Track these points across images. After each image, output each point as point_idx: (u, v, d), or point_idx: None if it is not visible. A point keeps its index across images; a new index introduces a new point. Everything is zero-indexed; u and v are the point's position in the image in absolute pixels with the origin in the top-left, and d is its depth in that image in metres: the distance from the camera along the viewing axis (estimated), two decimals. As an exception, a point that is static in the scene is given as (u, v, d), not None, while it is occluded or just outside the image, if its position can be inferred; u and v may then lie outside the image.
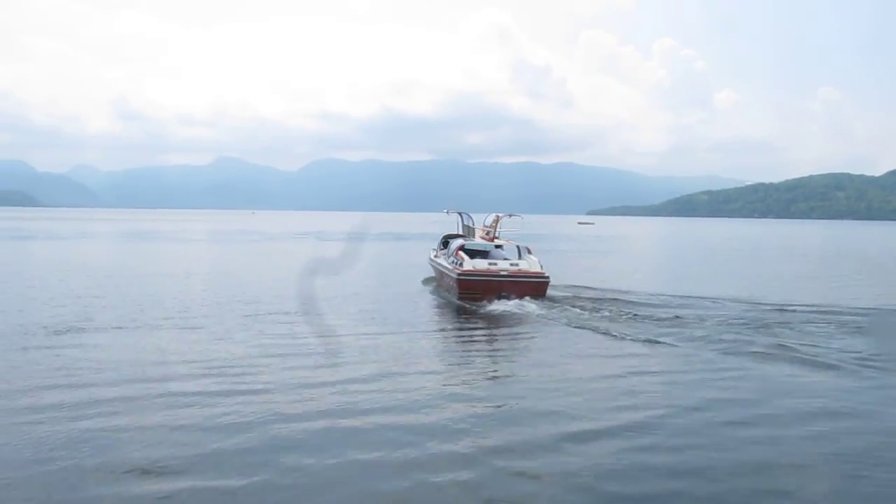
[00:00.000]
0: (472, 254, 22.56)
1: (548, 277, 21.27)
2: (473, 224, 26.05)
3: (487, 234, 24.87)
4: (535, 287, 20.70)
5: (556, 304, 19.70)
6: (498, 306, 19.42)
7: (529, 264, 21.78)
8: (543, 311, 18.48)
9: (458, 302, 20.86)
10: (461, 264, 21.50)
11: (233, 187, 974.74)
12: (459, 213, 27.12)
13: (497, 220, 24.95)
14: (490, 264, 21.53)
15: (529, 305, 19.27)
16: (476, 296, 20.42)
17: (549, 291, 21.10)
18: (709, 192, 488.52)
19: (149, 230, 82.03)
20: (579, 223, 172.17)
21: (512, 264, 21.68)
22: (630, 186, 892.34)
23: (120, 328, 15.05)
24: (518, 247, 23.56)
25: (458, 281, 21.00)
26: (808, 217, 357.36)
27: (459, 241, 24.05)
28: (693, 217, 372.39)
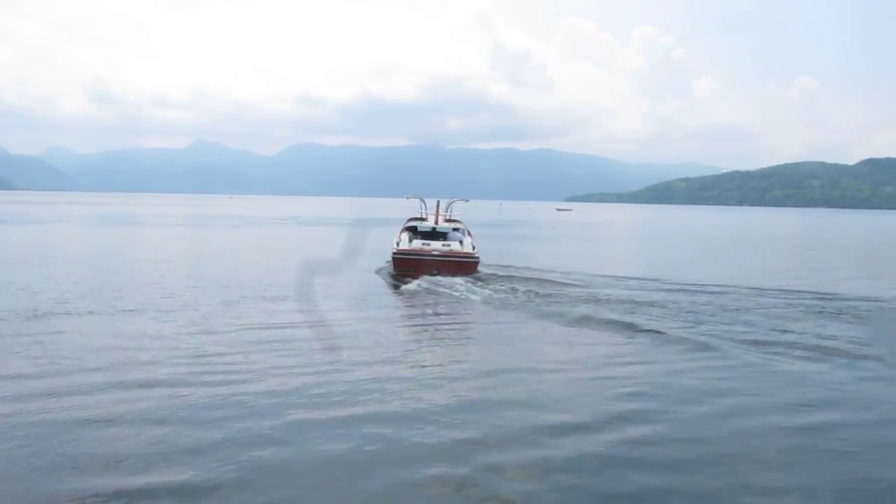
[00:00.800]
0: (422, 234, 24.26)
1: (477, 258, 22.85)
2: (426, 210, 26.99)
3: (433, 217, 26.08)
4: (463, 266, 22.18)
5: (482, 283, 20.73)
6: (420, 283, 20.38)
7: (463, 246, 23.05)
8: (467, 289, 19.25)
9: (393, 278, 21.98)
10: (398, 244, 23.25)
11: (211, 171, 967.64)
12: (421, 199, 28.12)
13: (437, 205, 26.49)
14: (423, 245, 22.92)
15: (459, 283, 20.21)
16: (409, 272, 21.74)
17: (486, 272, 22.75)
18: (686, 180, 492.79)
19: (126, 214, 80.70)
20: (557, 209, 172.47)
21: (444, 245, 23.04)
22: (609, 173, 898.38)
23: (96, 313, 14.77)
24: (459, 229, 25.34)
25: (394, 259, 22.74)
26: (784, 205, 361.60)
27: (408, 223, 25.59)
28: (671, 204, 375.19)
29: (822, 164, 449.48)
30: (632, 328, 13.94)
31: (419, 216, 26.41)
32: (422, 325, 15.29)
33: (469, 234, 25.04)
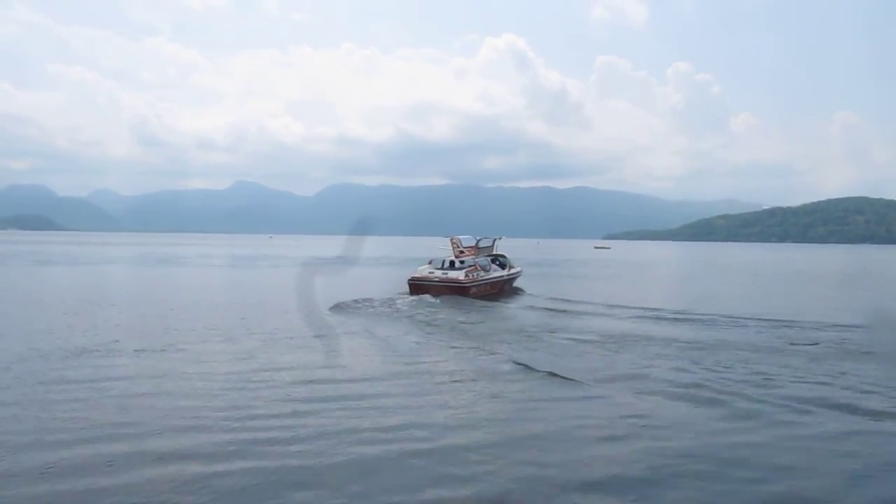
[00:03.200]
0: (439, 265, 30.25)
1: (466, 285, 28.39)
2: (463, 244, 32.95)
3: (459, 251, 32.28)
4: (455, 290, 28.04)
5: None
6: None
7: (459, 276, 28.81)
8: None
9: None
10: (416, 271, 29.90)
11: (251, 212, 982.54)
12: (457, 239, 33.38)
13: (452, 242, 32.98)
14: (430, 273, 29.37)
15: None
16: (418, 292, 27.86)
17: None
18: (726, 217, 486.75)
19: (172, 255, 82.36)
20: (595, 247, 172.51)
21: (442, 273, 29.22)
22: (647, 210, 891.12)
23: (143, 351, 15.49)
24: (500, 262, 33.43)
25: (409, 283, 29.06)
26: (827, 241, 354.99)
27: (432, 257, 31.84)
28: (710, 241, 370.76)
29: (866, 199, 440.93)
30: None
31: (460, 249, 32.13)
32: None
33: (510, 266, 33.57)
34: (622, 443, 9.26)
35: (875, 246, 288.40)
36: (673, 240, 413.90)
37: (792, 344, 17.49)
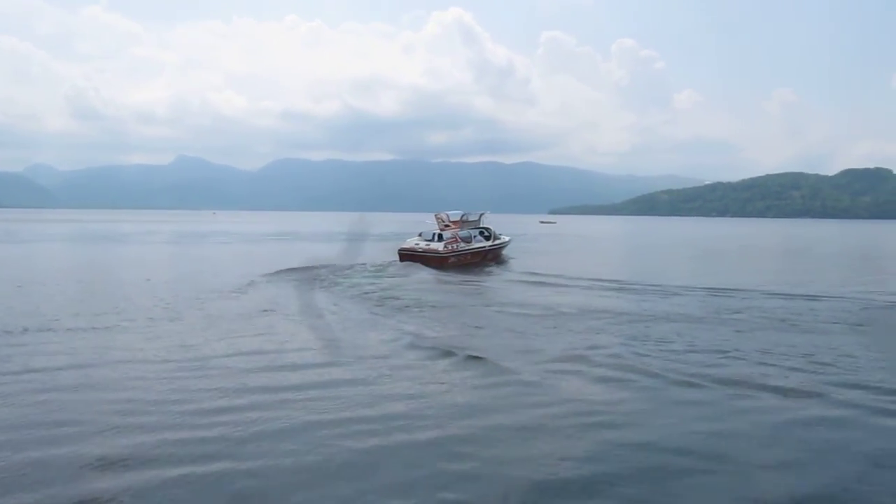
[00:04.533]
0: (424, 237, 33.33)
1: (445, 255, 31.69)
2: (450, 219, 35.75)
3: (444, 224, 35.00)
4: (431, 259, 31.38)
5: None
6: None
7: (438, 247, 32.00)
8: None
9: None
10: (405, 243, 33.43)
11: (193, 187, 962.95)
12: (445, 215, 36.15)
13: (437, 217, 36.12)
14: (415, 244, 32.84)
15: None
16: (405, 261, 31.59)
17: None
18: (669, 192, 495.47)
19: (114, 231, 79.41)
20: (541, 222, 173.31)
21: (426, 244, 32.58)
22: (592, 186, 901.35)
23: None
24: (485, 234, 36.10)
25: (398, 252, 32.68)
26: (765, 215, 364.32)
27: (421, 231, 34.53)
28: (654, 216, 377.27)
29: (803, 174, 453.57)
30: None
31: (445, 223, 35.10)
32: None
33: (496, 237, 36.61)
34: (569, 437, 8.49)
35: (810, 220, 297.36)
36: (617, 214, 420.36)
37: (737, 313, 17.92)
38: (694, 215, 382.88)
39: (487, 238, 36.03)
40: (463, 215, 36.14)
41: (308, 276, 26.16)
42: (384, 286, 23.52)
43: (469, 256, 33.39)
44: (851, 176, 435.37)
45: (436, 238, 32.90)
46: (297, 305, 18.87)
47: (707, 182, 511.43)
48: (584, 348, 13.23)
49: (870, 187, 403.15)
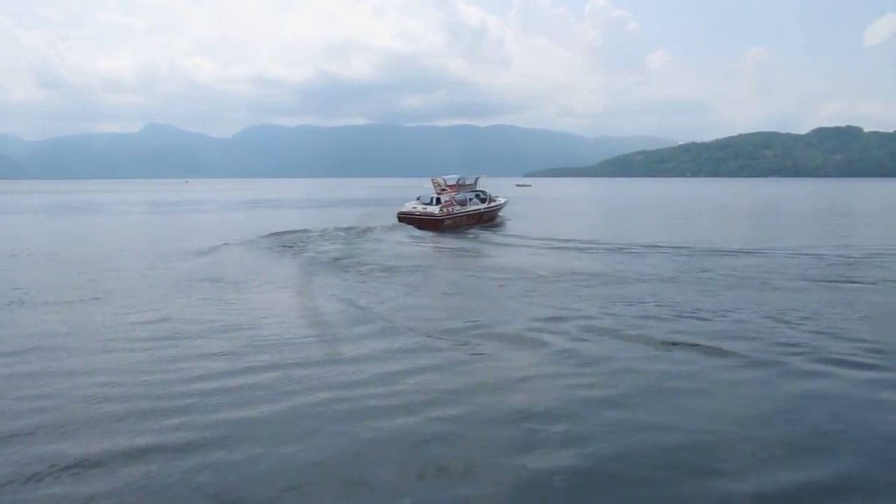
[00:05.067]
0: (423, 201, 34.67)
1: (440, 217, 33.00)
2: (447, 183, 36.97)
3: (440, 189, 36.23)
4: (426, 223, 32.78)
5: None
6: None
7: (434, 210, 33.43)
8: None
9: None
10: (403, 207, 34.81)
11: (165, 155, 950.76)
12: (442, 180, 37.39)
13: (433, 181, 37.40)
14: (413, 208, 34.22)
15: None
16: (404, 224, 32.96)
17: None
18: (644, 153, 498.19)
19: (86, 202, 77.50)
20: (517, 185, 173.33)
21: (423, 208, 33.98)
22: (567, 148, 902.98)
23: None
24: (481, 197, 37.43)
25: (397, 216, 34.09)
26: (738, 175, 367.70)
27: (419, 196, 35.79)
28: (629, 177, 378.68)
29: (775, 134, 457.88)
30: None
31: (442, 188, 36.30)
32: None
33: (492, 199, 38.09)
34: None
35: (783, 179, 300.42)
36: (592, 176, 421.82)
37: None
38: (668, 176, 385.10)
39: (483, 201, 37.40)
40: (459, 179, 37.42)
41: (282, 242, 26.17)
42: (360, 251, 23.54)
43: (464, 219, 34.69)
44: (823, 135, 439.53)
45: (433, 202, 34.37)
46: (273, 275, 18.56)
47: (681, 142, 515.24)
48: (555, 316, 12.72)
49: (841, 146, 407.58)
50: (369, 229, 31.39)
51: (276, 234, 28.94)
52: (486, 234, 31.57)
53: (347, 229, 31.43)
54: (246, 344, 10.85)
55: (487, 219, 37.17)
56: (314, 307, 14.00)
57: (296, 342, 10.97)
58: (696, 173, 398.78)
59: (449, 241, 28.55)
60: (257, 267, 20.02)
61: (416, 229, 32.03)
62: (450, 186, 36.54)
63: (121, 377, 9.19)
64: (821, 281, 16.86)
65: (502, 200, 40.11)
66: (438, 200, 34.41)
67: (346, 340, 11.13)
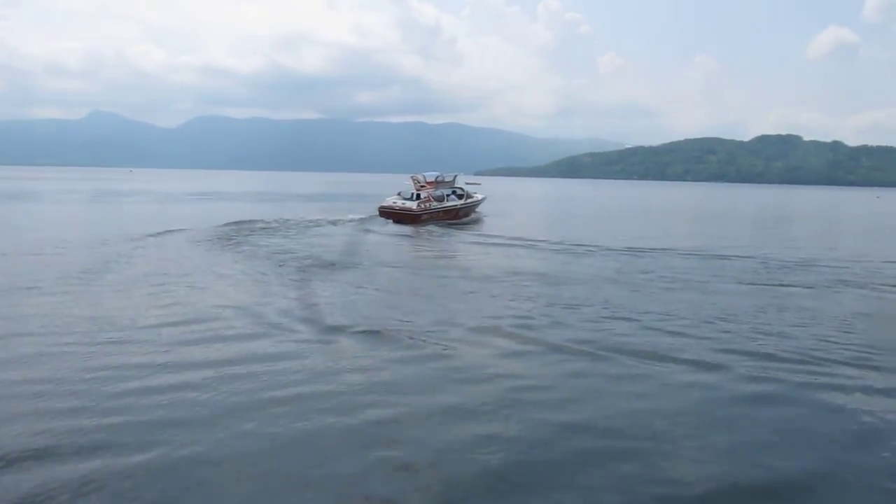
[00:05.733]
0: (402, 196, 36.41)
1: (418, 213, 34.46)
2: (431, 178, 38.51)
3: (420, 185, 37.72)
4: (404, 217, 34.25)
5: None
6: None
7: (412, 206, 34.94)
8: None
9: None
10: (384, 202, 36.16)
11: (108, 144, 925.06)
12: (421, 177, 38.80)
13: (413, 178, 39.03)
14: (393, 203, 35.61)
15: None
16: (385, 218, 34.57)
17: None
18: (592, 155, 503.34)
19: (25, 189, 74.71)
20: (466, 183, 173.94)
21: (402, 203, 35.42)
22: (517, 148, 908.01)
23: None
24: (458, 193, 39.06)
25: (378, 210, 35.65)
26: (683, 179, 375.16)
27: (400, 192, 37.42)
28: (578, 178, 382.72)
29: (720, 140, 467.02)
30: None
31: (421, 184, 37.62)
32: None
33: (469, 196, 39.77)
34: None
35: (726, 184, 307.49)
36: (541, 176, 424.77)
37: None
38: (616, 178, 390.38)
39: (460, 197, 39.06)
40: (437, 176, 39.02)
41: (224, 234, 25.94)
42: (301, 246, 23.46)
43: (441, 214, 36.06)
44: (765, 142, 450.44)
45: (413, 197, 36.16)
46: (208, 269, 18.10)
47: (629, 146, 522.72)
48: (495, 316, 12.81)
49: (782, 153, 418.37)
50: (317, 223, 31.39)
51: (220, 226, 28.64)
52: (445, 230, 31.73)
53: (294, 223, 31.48)
54: (168, 340, 10.64)
55: (463, 214, 38.68)
56: (240, 302, 13.60)
57: (216, 338, 10.84)
58: (644, 176, 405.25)
59: (403, 238, 28.72)
60: (195, 260, 19.55)
61: (393, 223, 33.59)
62: (428, 183, 37.99)
63: (33, 372, 8.94)
64: (757, 284, 17.47)
65: (479, 197, 41.74)
66: (418, 196, 36.10)
67: (264, 337, 10.97)
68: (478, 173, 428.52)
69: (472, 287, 16.12)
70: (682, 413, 7.98)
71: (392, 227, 32.43)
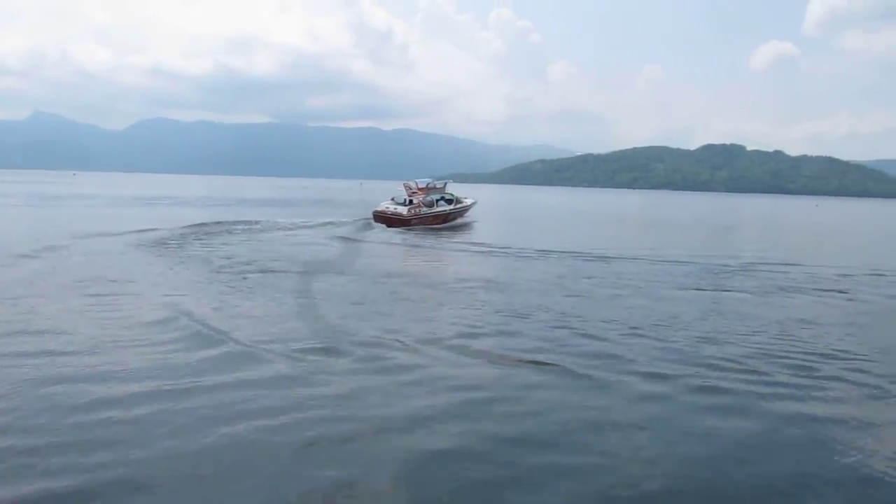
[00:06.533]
0: (395, 202, 38.20)
1: (408, 218, 36.29)
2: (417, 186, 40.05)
3: (411, 192, 39.33)
4: (394, 221, 36.07)
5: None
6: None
7: (403, 211, 36.75)
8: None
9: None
10: (378, 206, 37.88)
11: (52, 146, 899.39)
12: (414, 183, 40.66)
13: (405, 185, 40.60)
14: (386, 207, 37.46)
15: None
16: (378, 221, 36.40)
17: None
18: (543, 162, 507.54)
19: None
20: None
21: (394, 208, 37.26)
22: (469, 154, 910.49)
23: None
24: (447, 199, 40.57)
25: (372, 214, 37.48)
26: (632, 187, 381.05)
27: (394, 196, 39.23)
28: (528, 185, 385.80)
29: (666, 148, 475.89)
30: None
31: (413, 190, 39.34)
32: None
33: (458, 202, 41.48)
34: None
35: (672, 192, 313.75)
36: (493, 183, 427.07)
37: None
38: (566, 185, 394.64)
39: (450, 202, 40.87)
40: (429, 183, 40.88)
41: (165, 239, 25.44)
42: (248, 251, 23.21)
43: (430, 219, 38.08)
44: (710, 151, 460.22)
45: (406, 202, 38.09)
46: (147, 275, 17.44)
47: (578, 153, 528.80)
48: (440, 326, 12.53)
49: (726, 162, 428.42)
50: (265, 227, 31.13)
51: (164, 231, 28.20)
52: (390, 236, 31.67)
53: (241, 228, 31.12)
54: (98, 350, 10.14)
55: (453, 218, 40.69)
56: (176, 311, 12.86)
57: (149, 351, 10.23)
58: (592, 184, 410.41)
59: (361, 245, 28.36)
60: (130, 266, 18.90)
61: (386, 227, 35.44)
62: (420, 189, 39.78)
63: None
64: (701, 289, 17.87)
65: (469, 202, 43.60)
66: (411, 202, 38.00)
67: (200, 349, 10.37)
68: (426, 179, 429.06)
69: (420, 295, 16.03)
70: (635, 426, 7.86)
71: (341, 231, 32.92)
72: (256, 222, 33.76)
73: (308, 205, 64.93)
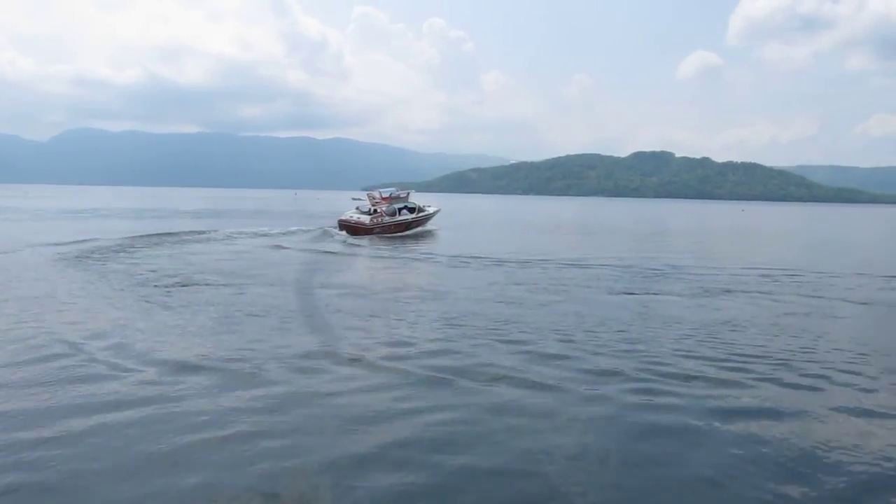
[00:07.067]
0: (359, 210, 40.14)
1: (370, 226, 37.81)
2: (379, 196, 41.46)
3: (374, 201, 40.85)
4: (356, 229, 37.58)
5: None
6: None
7: (365, 220, 38.27)
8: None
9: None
10: (342, 215, 39.50)
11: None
12: (378, 192, 42.40)
13: (368, 195, 42.34)
14: (350, 216, 38.96)
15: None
16: (342, 229, 37.79)
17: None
18: (478, 170, 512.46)
19: None
20: (353, 199, 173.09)
21: (358, 217, 38.84)
22: (404, 163, 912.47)
23: None
24: (409, 207, 42.05)
25: (338, 222, 38.92)
26: (566, 194, 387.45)
27: (358, 206, 41.14)
28: (464, 193, 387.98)
29: (598, 156, 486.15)
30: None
31: (376, 200, 40.82)
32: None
33: (420, 210, 42.41)
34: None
35: (604, 198, 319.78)
36: (430, 191, 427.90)
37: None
38: (502, 193, 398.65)
39: (412, 211, 42.16)
40: (392, 193, 42.38)
41: (87, 252, 24.79)
42: (174, 264, 22.69)
43: (392, 227, 39.36)
44: (640, 158, 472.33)
45: (369, 211, 39.82)
46: (63, 291, 16.78)
47: (513, 161, 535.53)
48: (364, 340, 12.07)
49: (656, 169, 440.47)
50: (198, 239, 30.57)
51: (86, 242, 27.77)
52: (331, 244, 31.39)
53: (170, 241, 30.54)
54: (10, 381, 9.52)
55: (415, 226, 41.94)
56: (88, 333, 12.12)
57: (61, 378, 9.50)
58: (527, 191, 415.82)
59: (308, 254, 28.21)
60: (47, 283, 18.07)
61: (349, 236, 36.67)
62: (384, 199, 41.17)
63: None
64: (630, 293, 18.27)
65: (432, 210, 44.42)
66: (375, 211, 39.67)
67: (111, 379, 9.45)
68: (366, 188, 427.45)
69: (350, 305, 15.77)
70: (578, 451, 7.37)
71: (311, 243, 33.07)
72: (181, 235, 33.06)
73: (245, 216, 63.87)
